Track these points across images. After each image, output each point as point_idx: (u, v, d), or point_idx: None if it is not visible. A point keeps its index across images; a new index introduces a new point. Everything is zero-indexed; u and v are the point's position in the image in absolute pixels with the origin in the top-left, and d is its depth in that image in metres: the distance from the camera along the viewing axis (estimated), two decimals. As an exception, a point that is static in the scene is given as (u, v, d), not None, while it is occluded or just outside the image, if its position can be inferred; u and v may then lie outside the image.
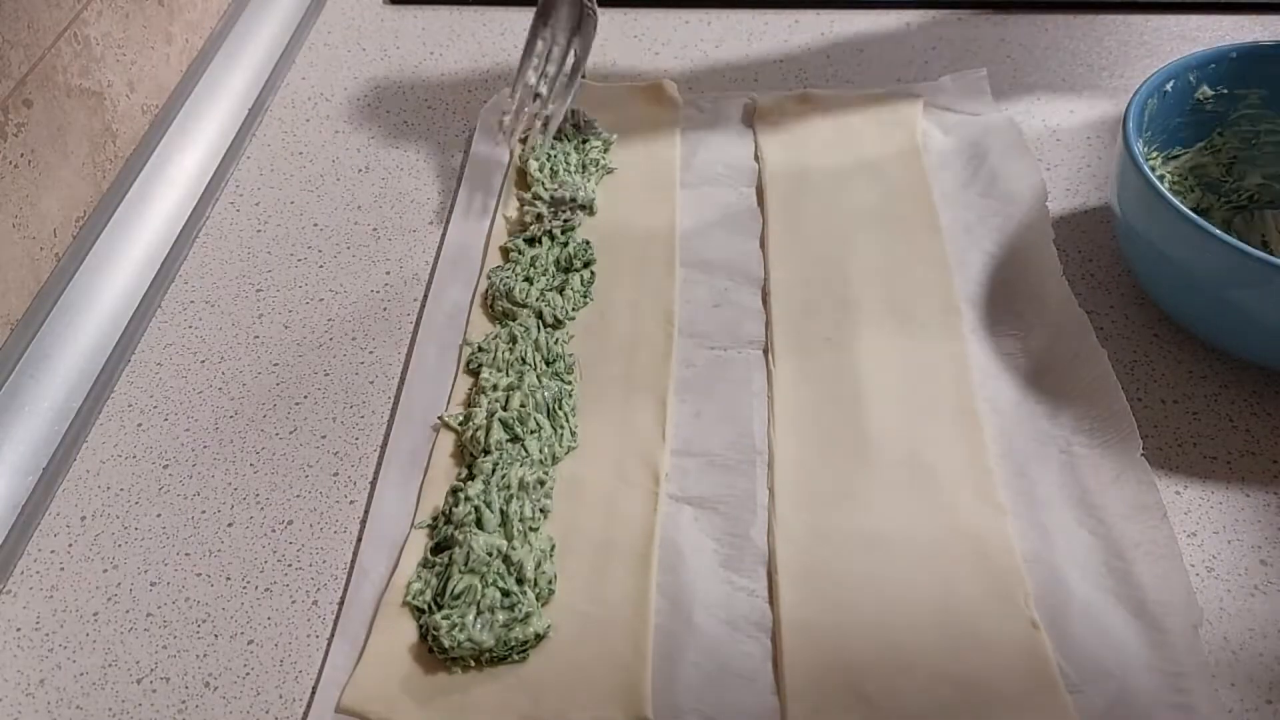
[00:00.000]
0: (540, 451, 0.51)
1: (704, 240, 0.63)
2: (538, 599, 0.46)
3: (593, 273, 0.61)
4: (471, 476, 0.50)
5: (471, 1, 0.84)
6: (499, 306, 0.59)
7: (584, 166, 0.66)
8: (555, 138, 0.67)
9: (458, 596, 0.45)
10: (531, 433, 0.51)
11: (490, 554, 0.46)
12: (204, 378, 0.57)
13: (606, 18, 0.80)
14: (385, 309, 0.61)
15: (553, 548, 0.48)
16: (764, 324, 0.58)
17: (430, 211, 0.67)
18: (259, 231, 0.66)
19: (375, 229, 0.66)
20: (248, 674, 0.45)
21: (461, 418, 0.53)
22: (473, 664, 0.44)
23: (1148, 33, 0.78)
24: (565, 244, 0.61)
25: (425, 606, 0.46)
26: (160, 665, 0.45)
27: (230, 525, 0.50)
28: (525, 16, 0.82)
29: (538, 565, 0.46)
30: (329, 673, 0.44)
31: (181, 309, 0.61)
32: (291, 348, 0.59)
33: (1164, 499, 0.48)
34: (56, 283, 0.60)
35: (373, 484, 0.52)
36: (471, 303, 0.60)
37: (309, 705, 0.44)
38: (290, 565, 0.49)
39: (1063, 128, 0.70)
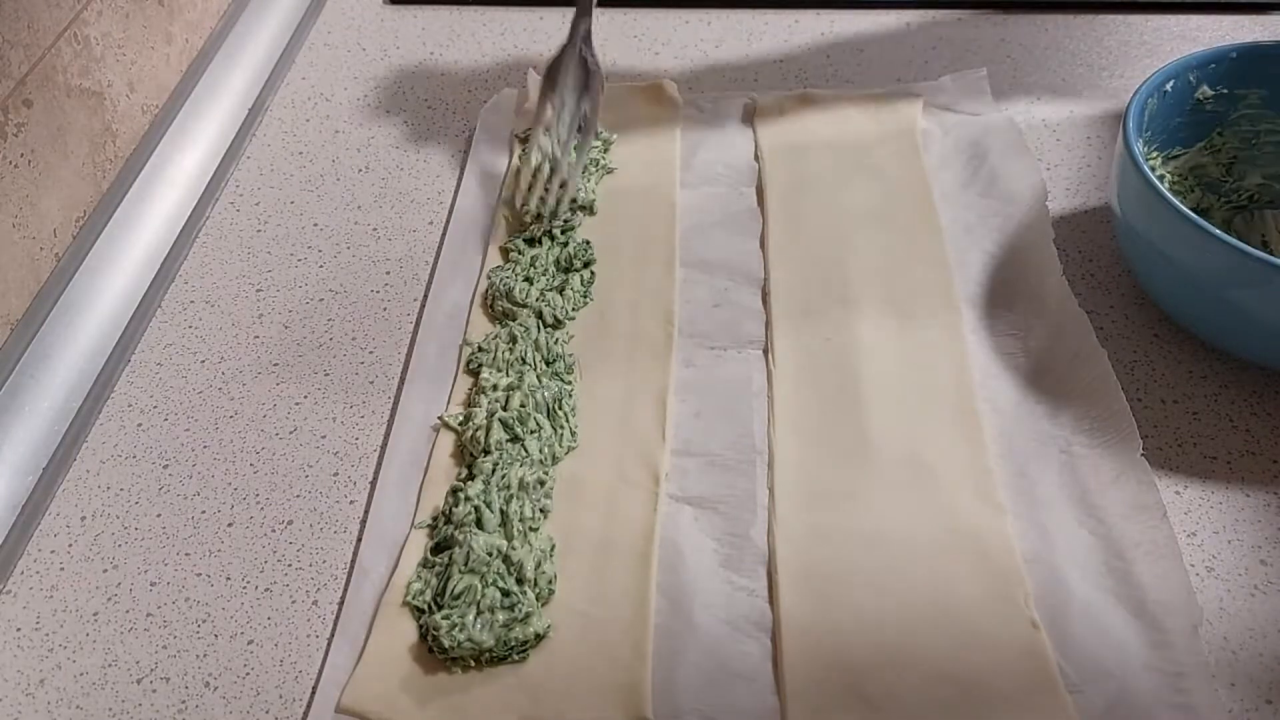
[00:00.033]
0: (540, 451, 0.51)
1: (704, 240, 0.63)
2: (538, 599, 0.46)
3: (593, 273, 0.61)
4: (471, 476, 0.50)
5: (472, 1, 0.84)
6: (499, 306, 0.59)
7: (584, 168, 0.66)
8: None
9: (458, 596, 0.45)
10: (531, 433, 0.51)
11: (490, 554, 0.46)
12: (204, 378, 0.57)
13: (606, 17, 0.80)
14: (385, 309, 0.61)
15: (553, 548, 0.48)
16: (764, 324, 0.58)
17: (430, 211, 0.67)
18: (259, 231, 0.66)
19: (375, 229, 0.66)
20: (248, 674, 0.45)
21: (461, 418, 0.53)
22: (473, 664, 0.44)
23: (1148, 33, 0.78)
24: (565, 244, 0.61)
25: (425, 606, 0.46)
26: (160, 665, 0.45)
27: (230, 525, 0.50)
28: (525, 16, 0.82)
29: (538, 565, 0.46)
30: (329, 673, 0.44)
31: (181, 309, 0.61)
32: (291, 348, 0.59)
33: (1164, 499, 0.48)
34: (56, 283, 0.60)
35: (373, 484, 0.52)
36: (471, 303, 0.60)
37: (309, 705, 0.44)
38: (290, 565, 0.49)
39: (1063, 128, 0.70)
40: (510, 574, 0.46)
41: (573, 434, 0.53)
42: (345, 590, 0.47)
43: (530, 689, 0.43)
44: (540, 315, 0.58)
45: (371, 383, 0.57)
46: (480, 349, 0.56)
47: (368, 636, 0.45)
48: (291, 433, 0.54)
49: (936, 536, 0.48)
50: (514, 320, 0.57)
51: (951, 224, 0.63)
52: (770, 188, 0.66)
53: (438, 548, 0.48)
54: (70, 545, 0.50)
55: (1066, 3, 0.81)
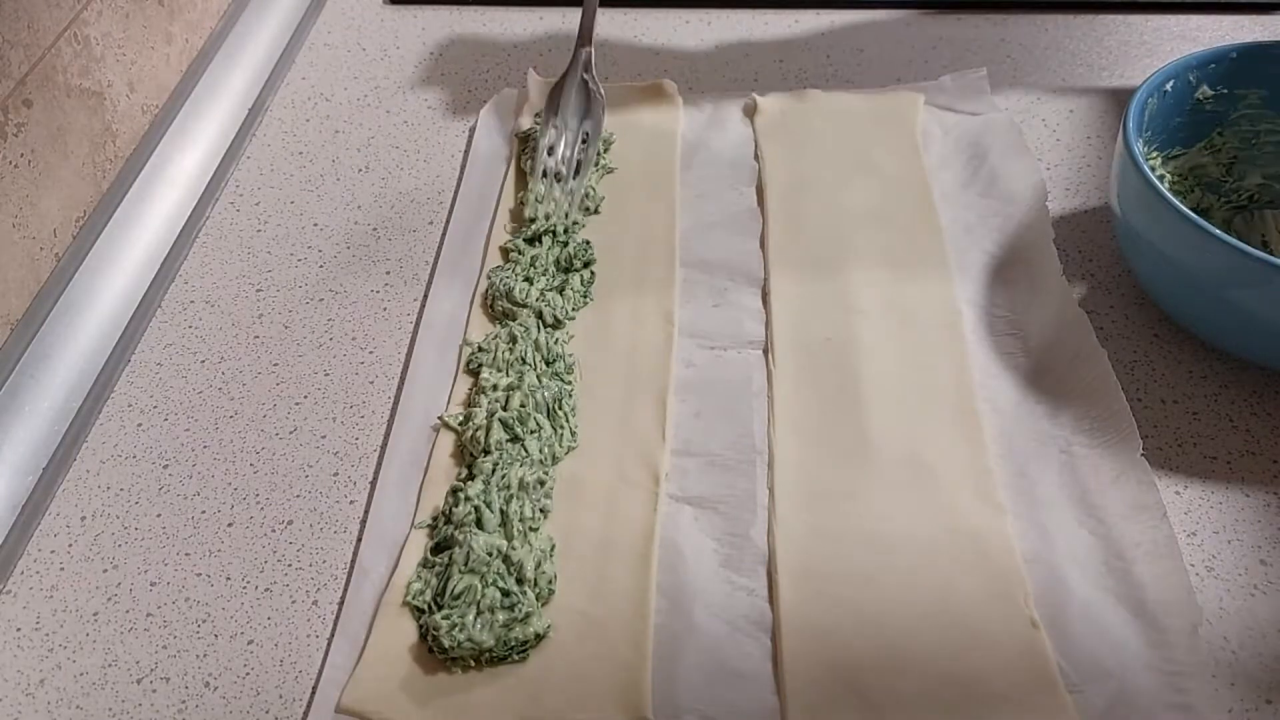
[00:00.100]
0: (540, 451, 0.51)
1: (704, 240, 0.63)
2: (538, 599, 0.46)
3: (593, 273, 0.61)
4: (471, 476, 0.50)
5: (472, 1, 0.84)
6: (499, 306, 0.59)
7: (585, 186, 0.66)
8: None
9: (458, 596, 0.45)
10: (531, 433, 0.51)
11: (490, 554, 0.46)
12: (204, 378, 0.57)
13: (606, 17, 0.80)
14: (385, 309, 0.61)
15: (553, 548, 0.48)
16: (764, 324, 0.58)
17: (430, 211, 0.67)
18: (259, 231, 0.66)
19: (375, 229, 0.66)
20: (248, 674, 0.45)
21: (461, 418, 0.53)
22: (473, 664, 0.44)
23: (1148, 33, 0.78)
24: (565, 244, 0.61)
25: (425, 606, 0.46)
26: (160, 665, 0.45)
27: (230, 525, 0.50)
28: (525, 16, 0.82)
29: (538, 565, 0.46)
30: (329, 673, 0.44)
31: (181, 309, 0.61)
32: (291, 348, 0.59)
33: (1164, 499, 0.48)
34: (56, 283, 0.60)
35: (373, 484, 0.52)
36: (471, 303, 0.60)
37: (309, 705, 0.44)
38: (290, 565, 0.49)
39: (1063, 128, 0.70)
40: (510, 574, 0.46)
41: (573, 434, 0.53)
42: (345, 590, 0.47)
43: (530, 689, 0.43)
44: (540, 315, 0.58)
45: (371, 383, 0.57)
46: (480, 349, 0.56)
47: (368, 636, 0.45)
48: (291, 433, 0.54)
49: (936, 536, 0.48)
50: (514, 320, 0.57)
51: (951, 224, 0.63)
52: (770, 188, 0.66)
53: (438, 548, 0.48)
54: (70, 545, 0.50)
55: (1066, 3, 0.81)
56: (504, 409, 0.52)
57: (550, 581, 0.46)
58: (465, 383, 0.56)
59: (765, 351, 0.57)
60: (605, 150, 0.68)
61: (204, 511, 0.51)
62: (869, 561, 0.47)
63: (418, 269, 0.63)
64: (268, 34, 0.80)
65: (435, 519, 0.49)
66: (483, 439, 0.51)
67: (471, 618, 0.44)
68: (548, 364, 0.55)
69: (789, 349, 0.56)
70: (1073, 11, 0.80)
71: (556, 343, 0.56)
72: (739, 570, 0.47)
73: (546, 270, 0.60)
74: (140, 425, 0.55)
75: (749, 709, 0.43)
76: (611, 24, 0.80)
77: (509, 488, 0.49)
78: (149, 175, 0.67)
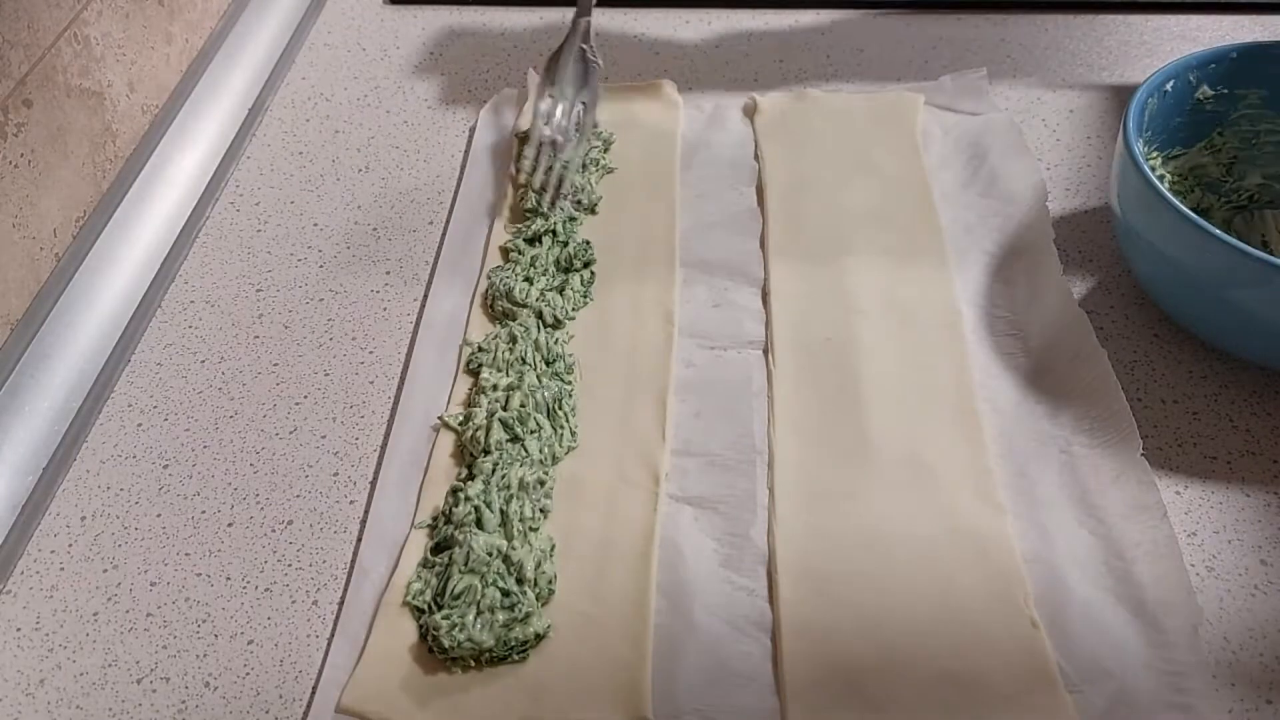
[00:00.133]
0: (540, 451, 0.51)
1: (704, 240, 0.63)
2: (538, 599, 0.46)
3: (593, 273, 0.61)
4: (471, 476, 0.50)
5: (472, 1, 0.84)
6: (499, 306, 0.59)
7: (584, 166, 0.66)
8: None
9: (458, 596, 0.45)
10: (531, 433, 0.51)
11: (490, 554, 0.46)
12: (204, 378, 0.57)
13: (606, 17, 0.80)
14: (385, 309, 0.61)
15: (553, 548, 0.48)
16: (764, 324, 0.58)
17: (430, 211, 0.67)
18: (259, 231, 0.66)
19: (375, 229, 0.66)
20: (248, 674, 0.45)
21: (461, 418, 0.53)
22: (473, 664, 0.44)
23: (1148, 33, 0.78)
24: (565, 244, 0.61)
25: (425, 606, 0.46)
26: (160, 665, 0.45)
27: (230, 525, 0.50)
28: (525, 16, 0.82)
29: (538, 565, 0.46)
30: (329, 673, 0.44)
31: (181, 309, 0.61)
32: (291, 348, 0.59)
33: (1164, 499, 0.48)
34: (56, 283, 0.60)
35: (373, 484, 0.52)
36: (471, 303, 0.60)
37: (309, 705, 0.44)
38: (290, 565, 0.49)
39: (1063, 128, 0.70)
40: (510, 574, 0.46)
41: (573, 434, 0.53)
42: (345, 590, 0.47)
43: (530, 689, 0.43)
44: (540, 315, 0.58)
45: (371, 383, 0.57)
46: (480, 349, 0.56)
47: (368, 636, 0.45)
48: (291, 433, 0.54)
49: (936, 536, 0.48)
50: (514, 320, 0.57)
51: (951, 224, 0.63)
52: (770, 188, 0.66)
53: (438, 548, 0.48)
54: (70, 545, 0.50)
55: (1066, 3, 0.81)
56: (504, 409, 0.52)
57: (550, 581, 0.46)
58: (465, 383, 0.56)
59: (765, 351, 0.57)
60: (605, 151, 0.68)
61: (204, 511, 0.51)
62: (869, 561, 0.47)
63: (418, 269, 0.63)
64: (268, 34, 0.80)
65: (435, 519, 0.49)
66: (483, 439, 0.51)
67: (471, 618, 0.44)
68: (548, 364, 0.55)
69: (789, 349, 0.56)
70: (1073, 11, 0.80)
71: (556, 343, 0.56)
72: (739, 570, 0.47)
73: (546, 270, 0.60)
74: (140, 425, 0.55)
75: (749, 709, 0.43)
76: (611, 24, 0.80)
77: (509, 488, 0.49)
78: (149, 175, 0.67)
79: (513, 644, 0.44)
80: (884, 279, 0.59)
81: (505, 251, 0.62)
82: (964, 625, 0.45)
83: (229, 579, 0.48)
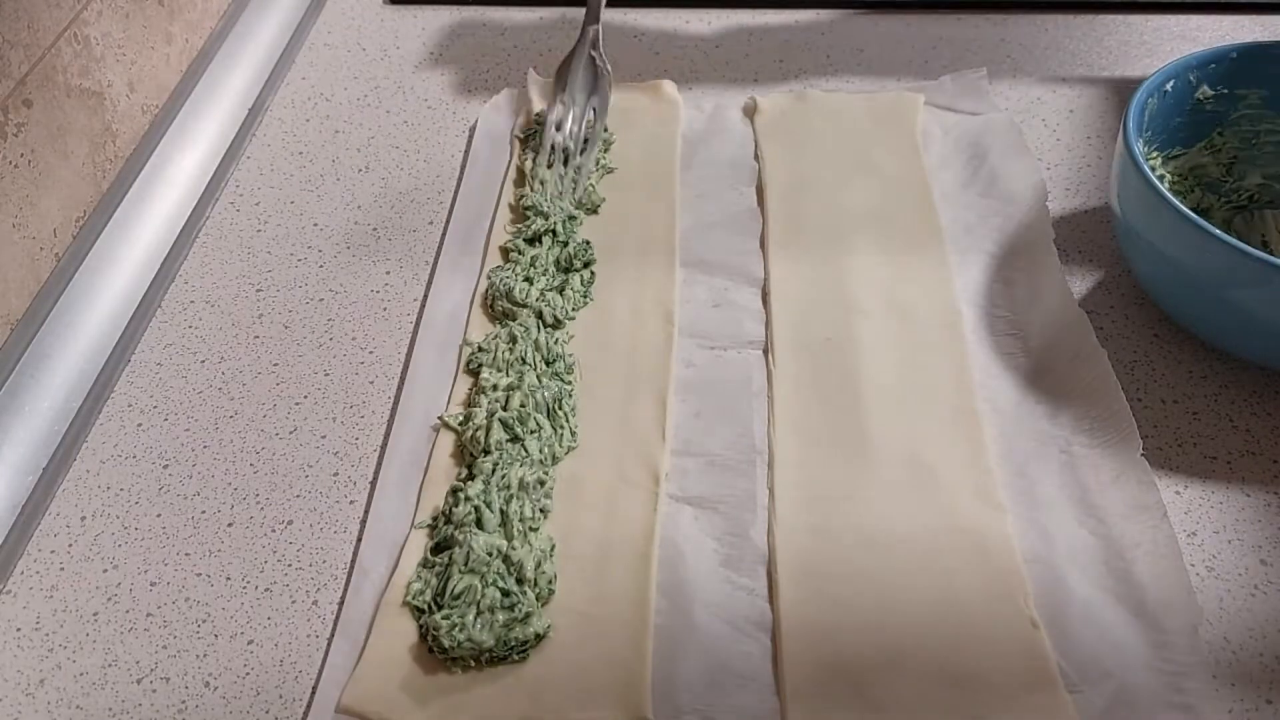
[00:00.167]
0: (540, 451, 0.51)
1: (704, 240, 0.63)
2: (538, 599, 0.46)
3: (593, 273, 0.61)
4: (471, 476, 0.50)
5: (472, 1, 0.84)
6: (499, 306, 0.59)
7: (594, 159, 0.67)
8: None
9: (458, 596, 0.45)
10: (531, 433, 0.51)
11: (490, 554, 0.46)
12: (204, 378, 0.57)
13: (606, 17, 0.80)
14: (385, 309, 0.61)
15: (553, 548, 0.48)
16: (764, 324, 0.58)
17: (430, 211, 0.67)
18: (259, 231, 0.66)
19: (375, 229, 0.66)
20: (248, 674, 0.45)
21: (461, 418, 0.53)
22: (473, 664, 0.44)
23: (1148, 33, 0.78)
24: (565, 244, 0.61)
25: (425, 606, 0.46)
26: (160, 665, 0.45)
27: (230, 525, 0.50)
28: (525, 16, 0.82)
29: (538, 565, 0.46)
30: (329, 673, 0.44)
31: (181, 309, 0.61)
32: (291, 348, 0.59)
33: (1164, 499, 0.48)
34: (56, 283, 0.60)
35: (373, 484, 0.52)
36: (471, 303, 0.60)
37: (309, 705, 0.44)
38: (290, 565, 0.49)
39: (1063, 128, 0.70)
40: (510, 574, 0.46)
41: (573, 434, 0.53)
42: (345, 590, 0.47)
43: (530, 689, 0.43)
44: (540, 315, 0.58)
45: (371, 383, 0.57)
46: (480, 349, 0.56)
47: (368, 636, 0.45)
48: (291, 433, 0.54)
49: (936, 536, 0.48)
50: (514, 320, 0.57)
51: (951, 224, 0.63)
52: (770, 188, 0.66)
53: (438, 548, 0.48)
54: (70, 545, 0.50)
55: (1066, 3, 0.81)
56: (504, 409, 0.52)
57: (550, 581, 0.46)
58: (465, 383, 0.56)
59: (765, 351, 0.57)
60: (605, 150, 0.68)
61: (204, 511, 0.51)
62: (869, 561, 0.47)
63: (418, 269, 0.63)
64: (268, 34, 0.80)
65: (435, 519, 0.49)
66: (483, 439, 0.51)
67: (471, 618, 0.44)
68: (548, 364, 0.55)
69: (789, 349, 0.56)
70: (1073, 11, 0.80)
71: (556, 343, 0.56)
72: (739, 570, 0.47)
73: (546, 270, 0.60)
74: (140, 425, 0.55)
75: (749, 709, 0.43)
76: (611, 24, 0.80)
77: (509, 488, 0.49)
78: (149, 175, 0.67)
79: (513, 644, 0.44)
80: (884, 279, 0.59)
81: (505, 251, 0.62)
82: (964, 625, 0.45)
83: (229, 579, 0.48)
